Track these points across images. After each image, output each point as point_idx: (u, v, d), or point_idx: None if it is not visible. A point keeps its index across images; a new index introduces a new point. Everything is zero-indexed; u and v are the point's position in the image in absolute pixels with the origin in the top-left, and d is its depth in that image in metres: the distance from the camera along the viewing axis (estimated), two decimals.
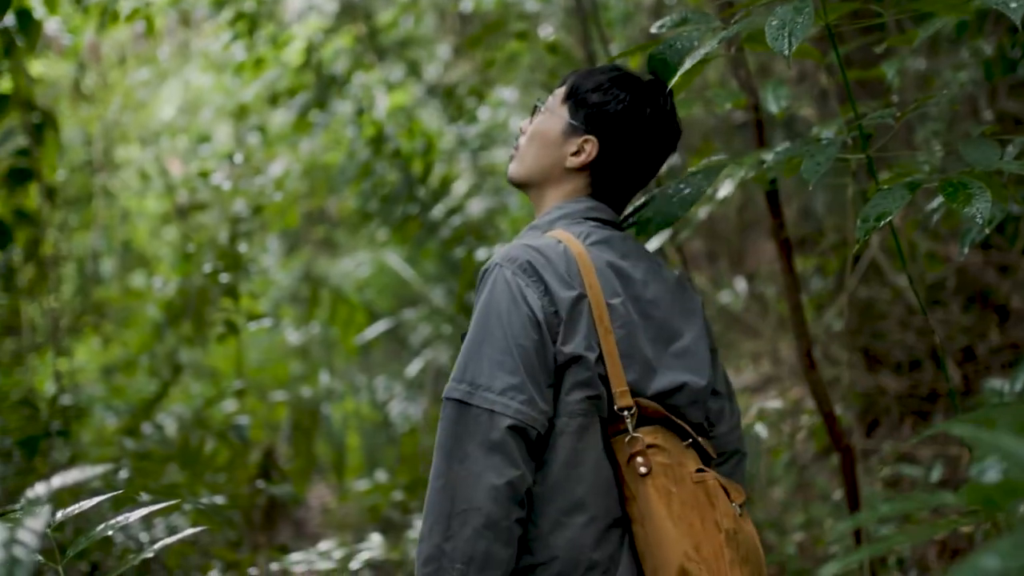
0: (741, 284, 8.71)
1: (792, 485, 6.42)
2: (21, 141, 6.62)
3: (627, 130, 2.61)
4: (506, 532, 2.33)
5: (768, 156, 2.41)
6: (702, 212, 2.59)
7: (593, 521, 2.40)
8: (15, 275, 6.49)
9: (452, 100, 7.17)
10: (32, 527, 1.61)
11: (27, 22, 6.34)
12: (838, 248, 6.29)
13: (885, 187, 1.83)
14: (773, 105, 2.71)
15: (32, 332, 8.26)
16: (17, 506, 2.71)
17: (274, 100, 7.81)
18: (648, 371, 2.47)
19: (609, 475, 2.43)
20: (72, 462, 7.04)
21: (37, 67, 9.26)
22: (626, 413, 2.40)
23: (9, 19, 6.34)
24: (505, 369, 2.37)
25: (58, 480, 2.23)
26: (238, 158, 4.86)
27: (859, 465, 2.84)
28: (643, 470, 2.37)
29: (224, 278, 4.77)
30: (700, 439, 2.52)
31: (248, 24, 7.82)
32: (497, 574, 2.33)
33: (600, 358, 2.42)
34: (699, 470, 2.42)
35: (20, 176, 6.48)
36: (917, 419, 6.38)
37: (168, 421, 8.01)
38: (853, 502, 2.89)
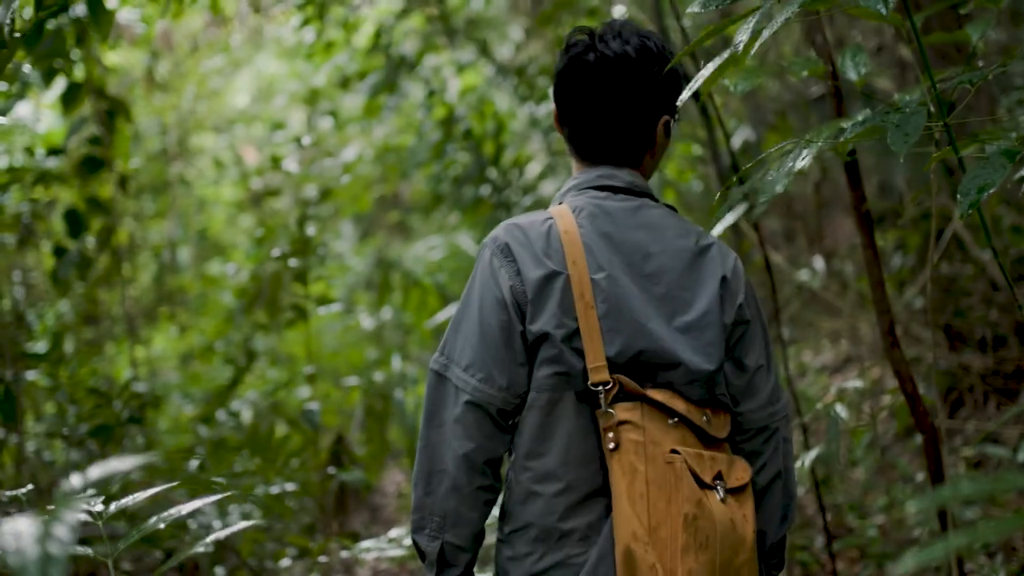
0: (819, 262, 8.55)
1: (873, 466, 6.28)
2: (94, 130, 6.64)
3: (559, 79, 2.64)
4: (470, 497, 2.49)
5: (847, 126, 2.30)
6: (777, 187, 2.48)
7: (567, 491, 2.45)
8: (90, 264, 6.50)
9: (523, 80, 7.08)
10: (67, 520, 1.54)
11: (97, 10, 6.34)
12: (919, 223, 6.14)
13: (983, 157, 1.71)
14: (852, 72, 2.59)
15: (110, 321, 8.32)
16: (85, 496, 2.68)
17: (345, 84, 7.76)
18: (637, 344, 2.45)
19: (590, 447, 2.45)
20: (147, 450, 7.08)
21: (111, 56, 9.32)
22: (600, 388, 2.40)
23: (81, 8, 6.37)
24: (471, 346, 2.50)
25: (96, 470, 2.17)
26: (306, 140, 4.82)
27: (943, 446, 2.72)
28: (611, 446, 2.37)
29: (293, 263, 4.72)
30: (708, 414, 2.48)
31: (318, 8, 7.79)
32: (467, 531, 2.51)
33: (575, 333, 2.44)
34: (673, 450, 2.37)
35: (93, 165, 6.50)
36: (1002, 398, 6.21)
37: (243, 408, 8.03)
38: (937, 484, 2.78)
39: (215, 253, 12.88)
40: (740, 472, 2.45)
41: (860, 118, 2.05)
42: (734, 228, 5.47)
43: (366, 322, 10.33)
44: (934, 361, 2.60)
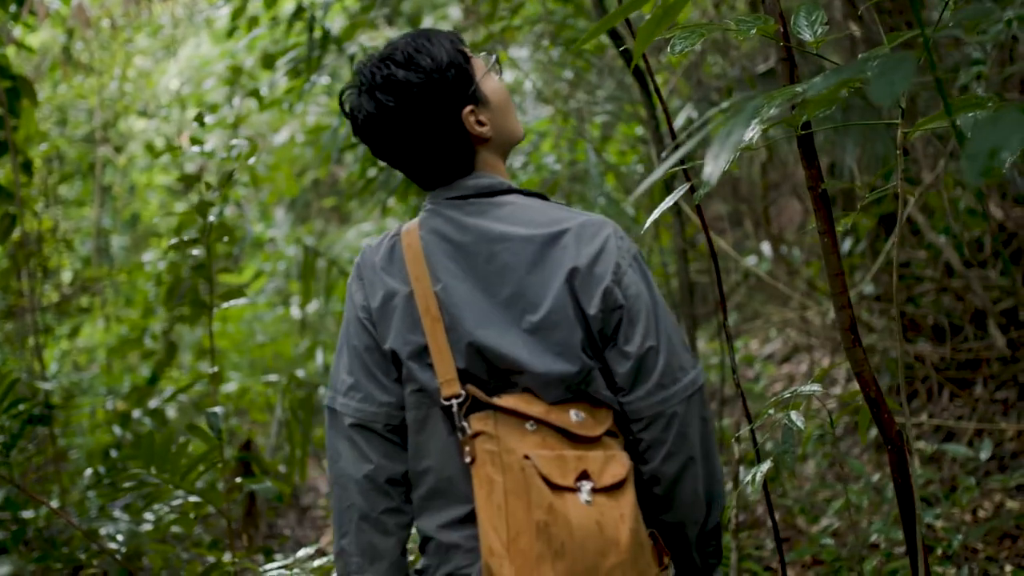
0: (766, 248, 8.27)
1: (823, 462, 6.00)
2: None
3: None
4: (378, 523, 2.47)
5: (802, 90, 1.96)
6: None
7: (449, 506, 2.41)
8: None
9: None
10: None
11: None
12: (871, 207, 5.84)
13: (998, 113, 1.34)
14: (807, 33, 2.26)
15: (32, 313, 7.86)
16: None
17: (268, 62, 7.33)
18: (484, 353, 2.38)
19: (462, 462, 2.38)
20: (61, 452, 6.68)
21: (29, 37, 8.86)
22: (453, 402, 2.35)
23: None
24: (345, 370, 2.50)
25: None
26: (210, 118, 4.39)
27: (911, 456, 2.41)
28: (468, 459, 2.32)
29: (197, 252, 4.33)
30: (580, 411, 2.36)
31: None
32: (384, 563, 2.49)
33: (424, 349, 2.40)
34: (526, 456, 2.29)
35: None
36: (956, 388, 5.96)
37: (168, 406, 7.63)
38: (905, 502, 2.46)
39: (150, 242, 12.47)
40: (616, 468, 2.33)
41: (825, 75, 1.70)
42: (677, 211, 5.15)
43: (296, 313, 9.95)
44: (884, 350, 2.26)
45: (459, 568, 2.39)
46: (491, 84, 2.53)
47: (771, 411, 2.59)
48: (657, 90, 3.07)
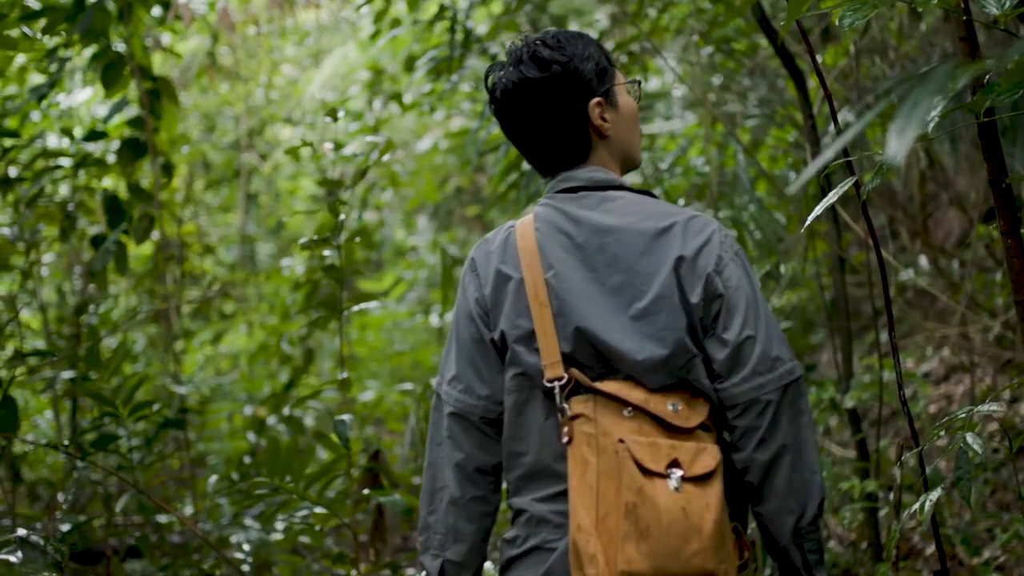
0: (924, 261, 7.88)
1: (985, 489, 5.63)
2: (137, 112, 6.19)
3: None
4: (465, 509, 2.65)
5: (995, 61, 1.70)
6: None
7: (545, 485, 2.54)
8: (127, 256, 6.02)
9: None
10: None
11: None
12: None
13: None
14: (993, 5, 2.01)
15: (177, 319, 7.88)
16: None
17: (409, 64, 7.20)
18: (585, 338, 2.51)
19: (560, 443, 2.49)
20: (198, 458, 6.63)
21: (176, 42, 8.90)
22: (555, 384, 2.48)
23: None
24: (451, 360, 2.68)
25: None
26: (342, 119, 4.21)
27: None
28: (565, 439, 2.45)
29: (329, 253, 4.22)
30: (678, 401, 2.49)
31: None
32: (465, 546, 2.66)
33: (531, 334, 2.53)
34: (620, 440, 2.41)
35: (135, 149, 6.03)
36: None
37: (303, 413, 7.54)
38: None
39: (293, 248, 12.51)
40: (707, 459, 2.44)
41: (1014, 48, 1.45)
42: (833, 218, 4.85)
43: (434, 321, 9.83)
44: None
45: (546, 542, 2.53)
46: (625, 98, 2.73)
47: (942, 433, 2.34)
48: (820, 76, 2.83)
